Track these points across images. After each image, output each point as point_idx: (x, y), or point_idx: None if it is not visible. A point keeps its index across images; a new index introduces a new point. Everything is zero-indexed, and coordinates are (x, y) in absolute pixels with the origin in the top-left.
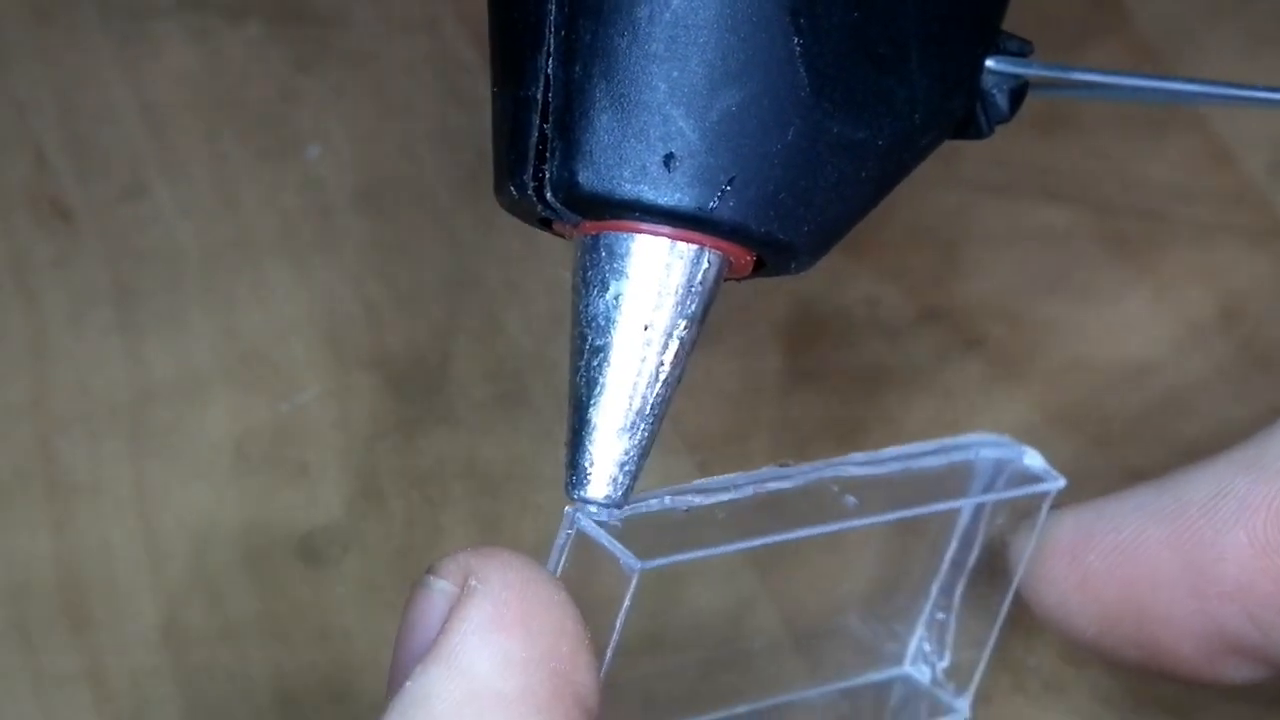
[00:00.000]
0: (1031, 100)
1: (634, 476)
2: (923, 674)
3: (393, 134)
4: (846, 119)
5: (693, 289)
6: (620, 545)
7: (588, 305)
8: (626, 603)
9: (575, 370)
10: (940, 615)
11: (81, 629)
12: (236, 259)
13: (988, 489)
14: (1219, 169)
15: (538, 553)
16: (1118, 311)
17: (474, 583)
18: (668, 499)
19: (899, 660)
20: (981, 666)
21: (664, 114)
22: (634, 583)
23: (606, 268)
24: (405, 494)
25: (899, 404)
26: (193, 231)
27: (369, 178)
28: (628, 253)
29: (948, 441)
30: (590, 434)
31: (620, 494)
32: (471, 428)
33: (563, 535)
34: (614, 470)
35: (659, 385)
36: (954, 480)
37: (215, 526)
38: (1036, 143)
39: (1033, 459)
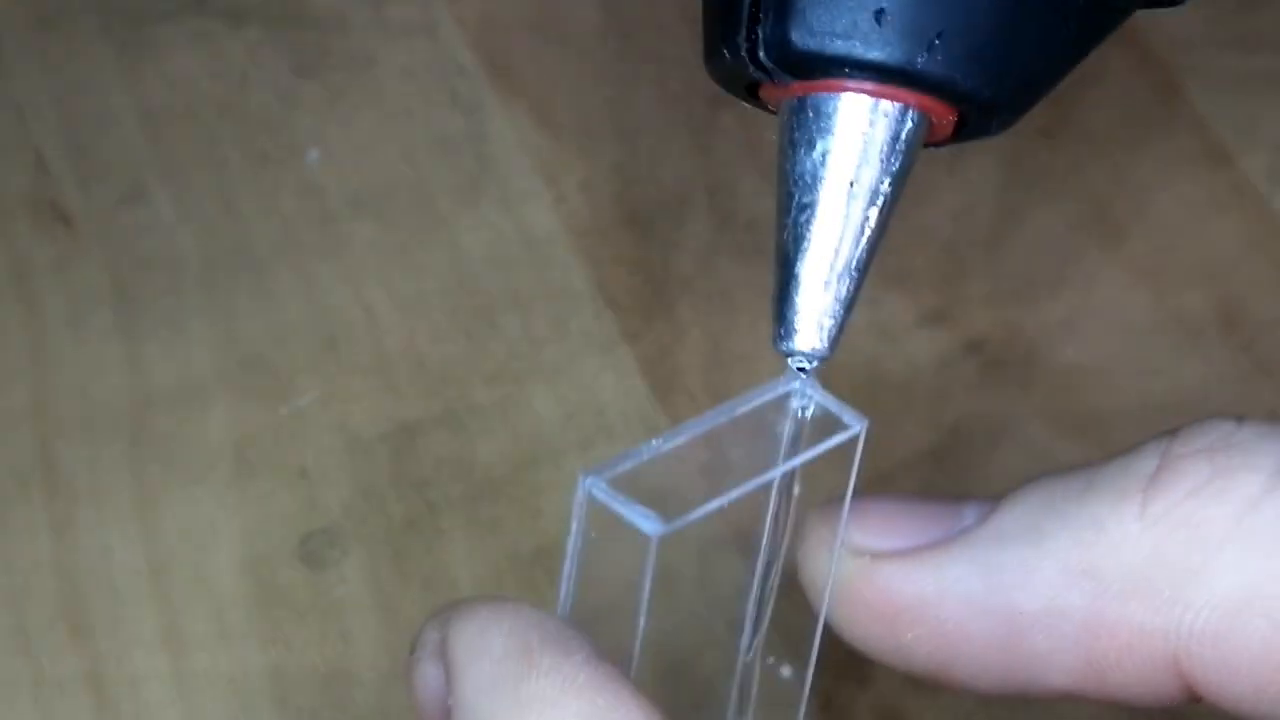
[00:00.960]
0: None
1: (840, 328)
2: None
3: (392, 138)
4: None
5: (897, 146)
6: (635, 513)
7: (795, 164)
8: (650, 565)
9: (782, 228)
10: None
11: (81, 633)
12: (236, 264)
13: (794, 438)
14: (1219, 171)
15: (536, 556)
16: (1118, 315)
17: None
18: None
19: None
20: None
21: None
22: (652, 547)
23: (814, 127)
24: (405, 497)
25: (900, 407)
26: (192, 236)
27: (368, 182)
28: (834, 111)
29: (752, 393)
30: (797, 287)
31: (827, 344)
32: (471, 431)
33: (577, 500)
34: (822, 319)
35: (864, 240)
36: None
37: (215, 530)
38: (1038, 145)
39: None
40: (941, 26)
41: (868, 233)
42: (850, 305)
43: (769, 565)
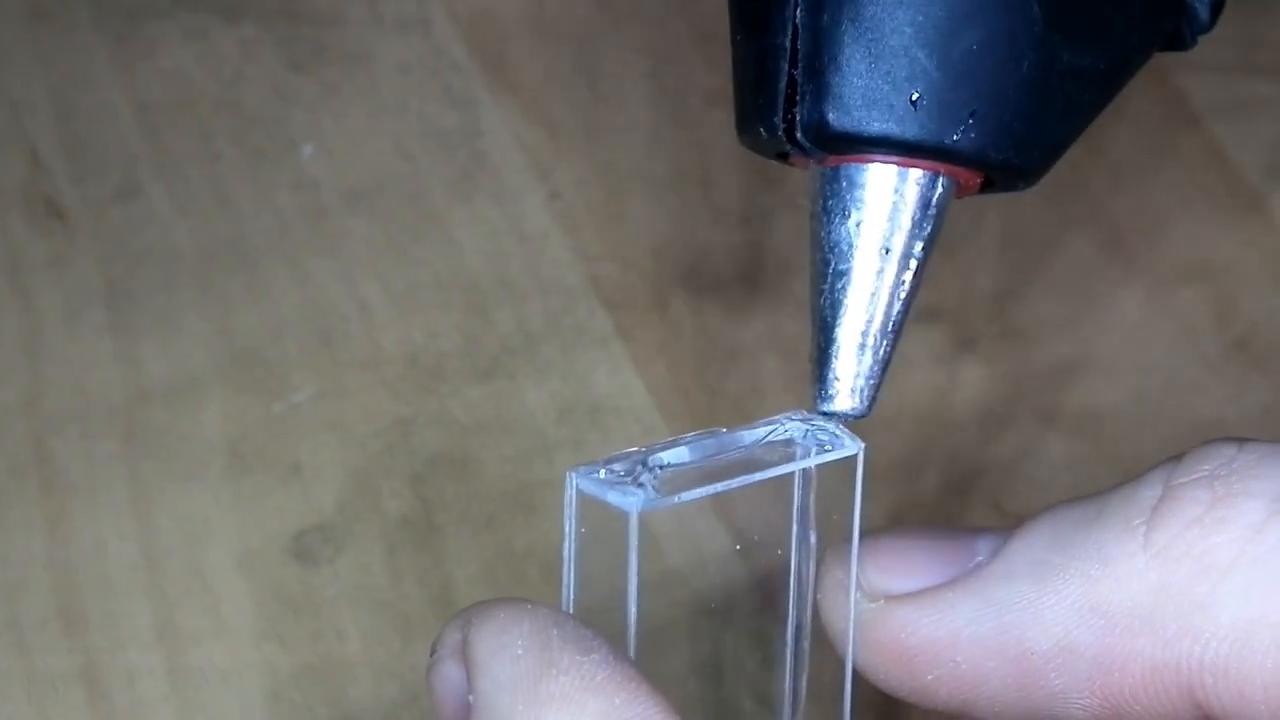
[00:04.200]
0: None
1: (876, 389)
2: None
3: (386, 133)
4: (1074, 48)
5: (928, 212)
6: (617, 493)
7: (830, 231)
8: (633, 544)
9: (819, 293)
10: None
11: (76, 628)
12: (231, 259)
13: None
14: (1214, 170)
15: (530, 552)
16: (1112, 312)
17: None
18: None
19: None
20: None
21: (910, 56)
22: (633, 523)
23: (847, 196)
24: (399, 494)
25: (894, 404)
26: (187, 231)
27: (362, 177)
28: (867, 182)
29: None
30: (835, 351)
31: (865, 405)
32: (465, 428)
33: (566, 498)
34: (859, 383)
35: (899, 303)
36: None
37: (209, 526)
38: None
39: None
40: (974, 106)
41: (902, 296)
42: (886, 366)
43: (799, 630)
